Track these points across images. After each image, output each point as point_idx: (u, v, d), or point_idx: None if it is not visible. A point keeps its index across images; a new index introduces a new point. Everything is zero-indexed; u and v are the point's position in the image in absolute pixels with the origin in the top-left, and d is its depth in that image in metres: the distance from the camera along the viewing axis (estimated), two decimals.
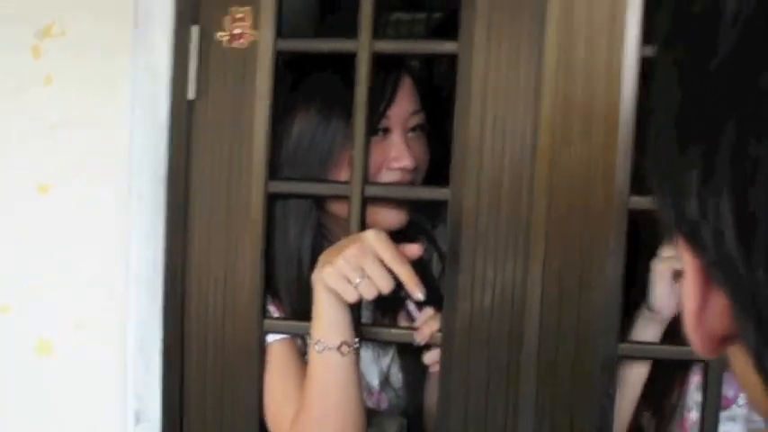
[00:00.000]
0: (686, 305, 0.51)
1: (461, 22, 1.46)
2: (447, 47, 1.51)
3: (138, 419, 1.59)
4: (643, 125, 1.45)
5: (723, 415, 1.57)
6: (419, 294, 1.38)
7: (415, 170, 1.61)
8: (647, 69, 1.42)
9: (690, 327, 0.52)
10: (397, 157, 1.59)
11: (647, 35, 1.43)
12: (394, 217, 1.59)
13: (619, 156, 1.42)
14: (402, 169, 1.59)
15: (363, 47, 1.49)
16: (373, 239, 1.39)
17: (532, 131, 1.44)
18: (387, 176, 1.59)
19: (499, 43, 1.46)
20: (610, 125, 1.43)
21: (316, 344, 1.44)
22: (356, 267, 1.38)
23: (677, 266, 1.45)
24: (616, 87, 1.42)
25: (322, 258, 1.44)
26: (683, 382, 1.60)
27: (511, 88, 1.46)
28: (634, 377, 1.52)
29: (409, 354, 1.66)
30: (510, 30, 1.45)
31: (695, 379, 1.60)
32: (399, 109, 1.60)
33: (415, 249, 1.43)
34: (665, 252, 1.46)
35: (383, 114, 1.58)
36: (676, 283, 1.45)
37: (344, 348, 1.43)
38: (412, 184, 1.61)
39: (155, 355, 1.59)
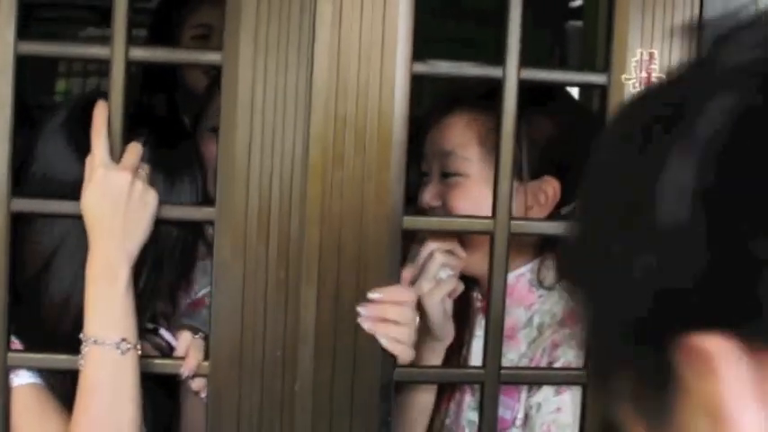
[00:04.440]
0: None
1: (225, 32, 1.38)
2: (210, 57, 1.42)
3: None
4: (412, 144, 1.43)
5: None
6: None
7: None
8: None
9: None
10: None
11: (418, 52, 1.41)
12: None
13: (392, 175, 1.39)
14: None
15: (118, 54, 1.38)
16: None
17: (303, 149, 1.38)
18: None
19: (266, 55, 1.39)
20: (383, 143, 1.39)
21: (93, 342, 1.27)
22: None
23: (446, 290, 1.44)
24: (389, 104, 1.39)
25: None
26: (449, 399, 1.58)
27: (279, 103, 1.39)
28: (424, 403, 1.50)
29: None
30: (278, 42, 1.38)
31: (468, 398, 1.59)
32: None
33: None
34: (424, 283, 1.43)
35: None
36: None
37: (124, 345, 1.29)
38: None
39: None
